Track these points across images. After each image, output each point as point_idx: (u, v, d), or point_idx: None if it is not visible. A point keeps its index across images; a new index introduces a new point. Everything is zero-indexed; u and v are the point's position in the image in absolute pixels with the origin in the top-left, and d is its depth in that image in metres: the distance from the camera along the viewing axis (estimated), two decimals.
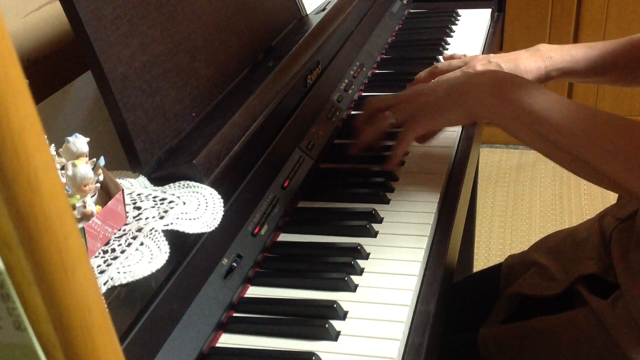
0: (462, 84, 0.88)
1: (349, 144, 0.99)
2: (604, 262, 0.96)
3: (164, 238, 0.61)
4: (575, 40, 2.60)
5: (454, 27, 1.47)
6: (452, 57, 1.15)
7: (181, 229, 0.63)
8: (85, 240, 0.58)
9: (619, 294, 0.90)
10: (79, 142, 0.60)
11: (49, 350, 0.31)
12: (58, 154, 0.62)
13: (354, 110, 1.14)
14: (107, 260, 0.59)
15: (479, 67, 1.07)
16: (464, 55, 1.15)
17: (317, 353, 0.65)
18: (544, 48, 1.08)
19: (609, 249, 0.96)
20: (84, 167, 0.58)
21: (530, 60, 1.06)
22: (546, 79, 1.08)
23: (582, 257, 0.99)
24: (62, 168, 0.59)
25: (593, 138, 0.77)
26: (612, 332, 0.89)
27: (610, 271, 0.94)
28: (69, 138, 0.60)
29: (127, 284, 0.57)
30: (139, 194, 0.68)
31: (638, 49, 1.05)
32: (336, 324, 0.69)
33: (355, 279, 0.75)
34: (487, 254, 2.25)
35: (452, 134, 1.03)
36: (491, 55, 1.10)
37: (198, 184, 0.69)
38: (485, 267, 1.78)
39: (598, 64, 1.06)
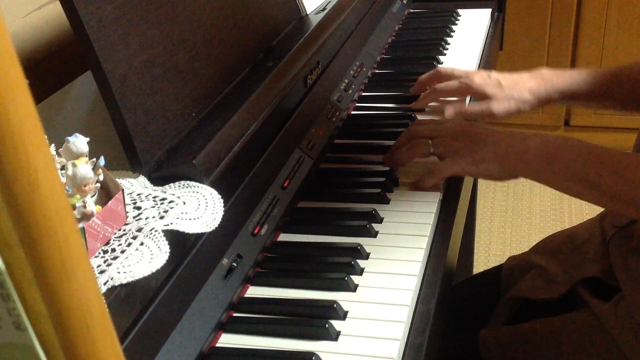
0: (511, 143, 0.87)
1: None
2: (605, 264, 0.96)
3: (164, 238, 0.61)
4: (575, 40, 2.60)
5: (454, 27, 1.47)
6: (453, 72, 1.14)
7: (181, 229, 0.63)
8: (85, 240, 0.58)
9: (620, 297, 0.90)
10: (79, 142, 0.59)
11: (49, 350, 0.31)
12: (58, 154, 0.62)
13: (354, 110, 1.14)
14: (107, 260, 0.59)
15: (478, 79, 1.06)
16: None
17: (317, 353, 0.65)
18: (546, 71, 1.07)
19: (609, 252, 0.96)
20: (84, 167, 0.58)
21: (531, 81, 1.05)
22: (546, 101, 1.06)
23: (583, 260, 0.99)
24: (62, 168, 0.59)
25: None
26: (614, 335, 0.89)
27: (611, 274, 0.94)
28: (69, 138, 0.60)
29: (127, 284, 0.57)
30: (139, 194, 0.68)
31: None
32: (336, 324, 0.69)
33: (355, 279, 0.75)
34: (487, 254, 2.25)
35: None
36: (493, 71, 1.09)
37: (198, 184, 0.69)
38: (485, 266, 1.77)
39: (600, 88, 1.05)
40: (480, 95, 1.07)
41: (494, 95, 1.05)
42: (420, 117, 1.12)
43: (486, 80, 1.06)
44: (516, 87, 1.05)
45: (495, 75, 1.07)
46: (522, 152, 0.86)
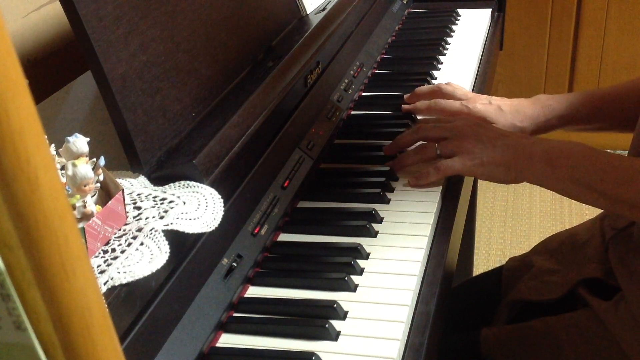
0: (519, 147, 0.88)
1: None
2: (606, 265, 0.96)
3: (164, 238, 0.61)
4: (575, 40, 2.60)
5: (454, 27, 1.47)
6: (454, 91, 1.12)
7: (181, 229, 0.63)
8: (85, 240, 0.58)
9: (621, 296, 0.90)
10: (79, 142, 0.59)
11: (49, 350, 0.31)
12: (58, 154, 0.62)
13: (354, 110, 1.14)
14: (107, 260, 0.59)
15: (479, 105, 1.05)
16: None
17: (317, 353, 0.65)
18: (543, 97, 1.07)
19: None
20: (84, 167, 0.58)
21: (531, 108, 1.05)
22: (546, 127, 1.06)
23: (583, 260, 0.99)
24: (62, 168, 0.59)
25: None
26: (615, 334, 0.89)
27: (611, 274, 0.94)
28: (69, 138, 0.60)
29: (127, 284, 0.57)
30: (139, 194, 0.68)
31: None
32: (336, 324, 0.69)
33: (355, 279, 0.75)
34: (487, 254, 2.24)
35: None
36: (493, 97, 1.09)
37: (198, 184, 0.69)
38: (485, 267, 1.77)
39: (600, 110, 1.05)
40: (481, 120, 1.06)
41: (496, 121, 1.04)
42: (419, 117, 1.12)
43: (487, 106, 1.05)
44: (518, 116, 1.05)
45: (496, 101, 1.06)
46: (528, 156, 0.86)
